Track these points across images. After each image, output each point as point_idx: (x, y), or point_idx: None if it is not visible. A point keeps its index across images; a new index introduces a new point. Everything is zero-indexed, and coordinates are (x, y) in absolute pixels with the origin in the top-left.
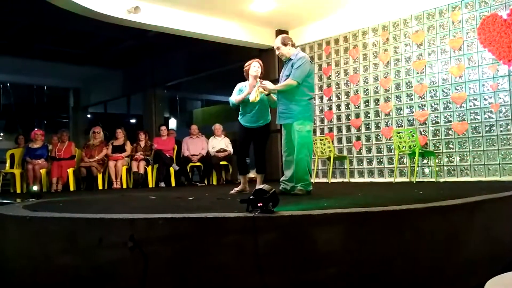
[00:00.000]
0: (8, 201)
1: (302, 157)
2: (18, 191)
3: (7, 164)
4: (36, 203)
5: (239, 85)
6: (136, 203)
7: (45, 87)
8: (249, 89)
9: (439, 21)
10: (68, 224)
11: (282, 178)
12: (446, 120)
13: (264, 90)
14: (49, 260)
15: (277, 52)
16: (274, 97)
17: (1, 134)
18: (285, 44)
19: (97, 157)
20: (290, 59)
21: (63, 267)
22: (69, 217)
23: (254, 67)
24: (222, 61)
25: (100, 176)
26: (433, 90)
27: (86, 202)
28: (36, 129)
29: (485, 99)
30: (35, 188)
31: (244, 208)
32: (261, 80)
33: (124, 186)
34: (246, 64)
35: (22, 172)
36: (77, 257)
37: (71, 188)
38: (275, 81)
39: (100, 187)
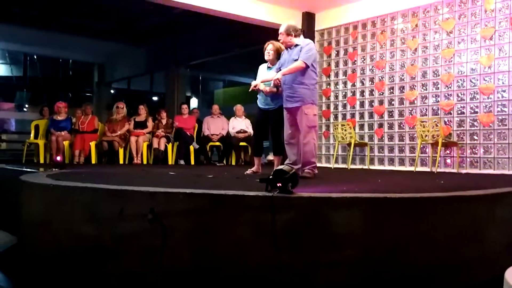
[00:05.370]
0: (32, 170)
1: (309, 140)
2: (42, 161)
3: (32, 135)
4: (59, 173)
5: (260, 67)
6: (156, 178)
7: (71, 61)
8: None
9: (471, 9)
10: (90, 194)
11: (286, 162)
12: (472, 111)
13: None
14: (71, 228)
15: (279, 38)
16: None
17: (27, 106)
18: (288, 34)
19: (119, 132)
20: (296, 45)
21: (84, 235)
22: (91, 187)
23: (265, 51)
24: (245, 42)
25: (121, 151)
26: (460, 79)
27: (108, 175)
28: (59, 101)
29: None
30: (58, 158)
31: (263, 187)
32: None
33: (145, 162)
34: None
35: (46, 143)
36: (98, 226)
37: (93, 161)
38: None
39: (121, 162)
